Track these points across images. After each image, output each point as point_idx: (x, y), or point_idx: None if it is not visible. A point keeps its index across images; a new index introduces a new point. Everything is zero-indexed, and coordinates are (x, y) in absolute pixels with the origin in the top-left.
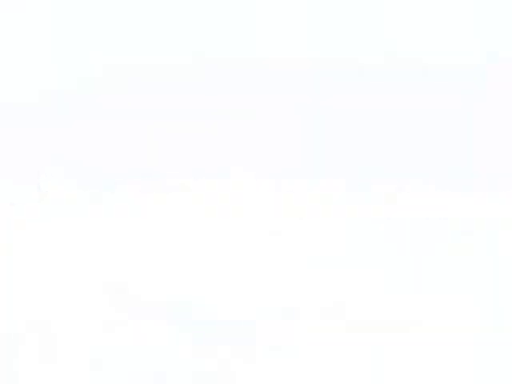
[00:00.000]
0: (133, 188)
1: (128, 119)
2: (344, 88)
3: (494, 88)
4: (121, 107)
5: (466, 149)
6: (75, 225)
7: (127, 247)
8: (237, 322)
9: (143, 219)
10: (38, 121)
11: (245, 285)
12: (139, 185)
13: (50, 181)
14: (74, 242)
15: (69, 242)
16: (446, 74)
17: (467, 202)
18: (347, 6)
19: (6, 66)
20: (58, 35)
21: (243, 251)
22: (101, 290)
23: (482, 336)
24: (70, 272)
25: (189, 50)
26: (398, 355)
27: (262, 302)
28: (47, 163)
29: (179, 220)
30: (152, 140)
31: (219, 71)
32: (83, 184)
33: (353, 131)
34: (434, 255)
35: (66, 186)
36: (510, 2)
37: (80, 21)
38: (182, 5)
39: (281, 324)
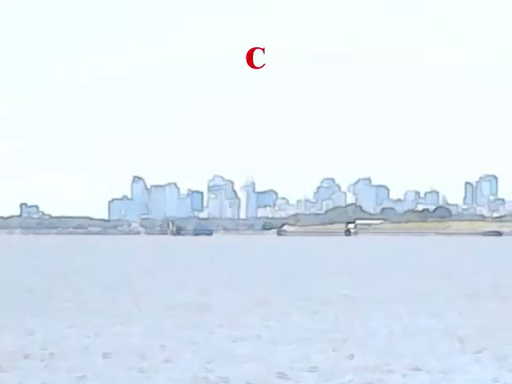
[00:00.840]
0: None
1: (128, 119)
2: (344, 88)
3: (493, 88)
4: (121, 107)
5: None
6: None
7: None
8: None
9: None
10: (39, 121)
11: None
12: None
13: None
14: None
15: None
16: (446, 73)
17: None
18: (347, 7)
19: (7, 67)
20: (58, 36)
21: None
22: None
23: None
24: None
25: (189, 50)
26: None
27: None
28: (47, 163)
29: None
30: (151, 140)
31: (219, 71)
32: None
33: (353, 131)
34: None
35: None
36: (509, 2)
37: (80, 22)
38: (182, 5)
39: None
